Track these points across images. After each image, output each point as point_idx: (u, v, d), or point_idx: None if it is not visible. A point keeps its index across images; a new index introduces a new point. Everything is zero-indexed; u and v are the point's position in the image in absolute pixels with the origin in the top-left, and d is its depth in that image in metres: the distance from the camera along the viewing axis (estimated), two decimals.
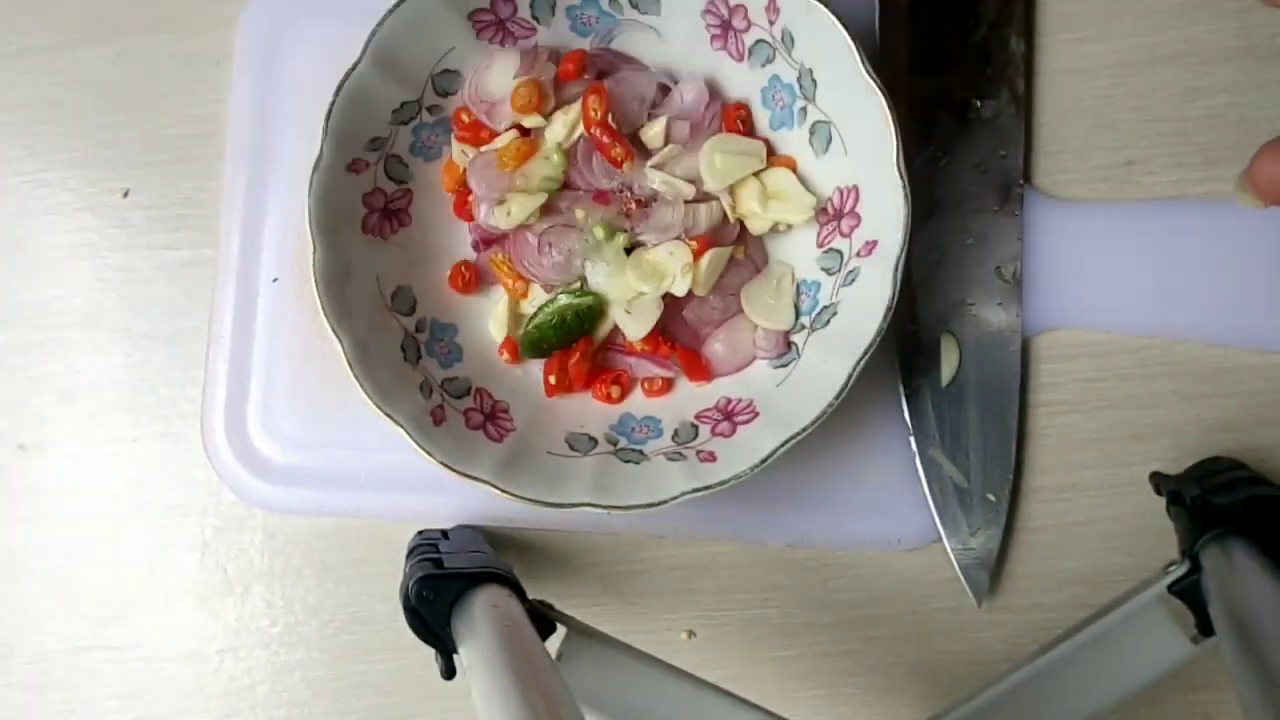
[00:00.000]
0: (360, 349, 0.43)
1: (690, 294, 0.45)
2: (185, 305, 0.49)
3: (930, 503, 0.46)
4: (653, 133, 0.45)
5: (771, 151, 0.46)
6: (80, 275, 0.50)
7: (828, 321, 0.44)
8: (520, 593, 0.41)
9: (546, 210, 0.45)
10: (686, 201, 0.45)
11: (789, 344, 0.45)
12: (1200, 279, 0.46)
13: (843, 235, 0.44)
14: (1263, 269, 0.46)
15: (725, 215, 0.45)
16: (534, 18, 0.45)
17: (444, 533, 0.46)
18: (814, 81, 0.43)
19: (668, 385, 0.46)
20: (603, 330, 0.46)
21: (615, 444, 0.45)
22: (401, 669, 0.49)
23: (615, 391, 0.46)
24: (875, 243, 0.42)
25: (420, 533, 0.47)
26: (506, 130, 0.46)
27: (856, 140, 0.43)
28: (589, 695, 0.39)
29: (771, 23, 0.43)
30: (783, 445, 0.42)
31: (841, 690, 0.48)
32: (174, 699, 0.50)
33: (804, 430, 0.41)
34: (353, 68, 0.42)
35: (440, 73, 0.45)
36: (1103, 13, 0.47)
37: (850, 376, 0.41)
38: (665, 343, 0.45)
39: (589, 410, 0.46)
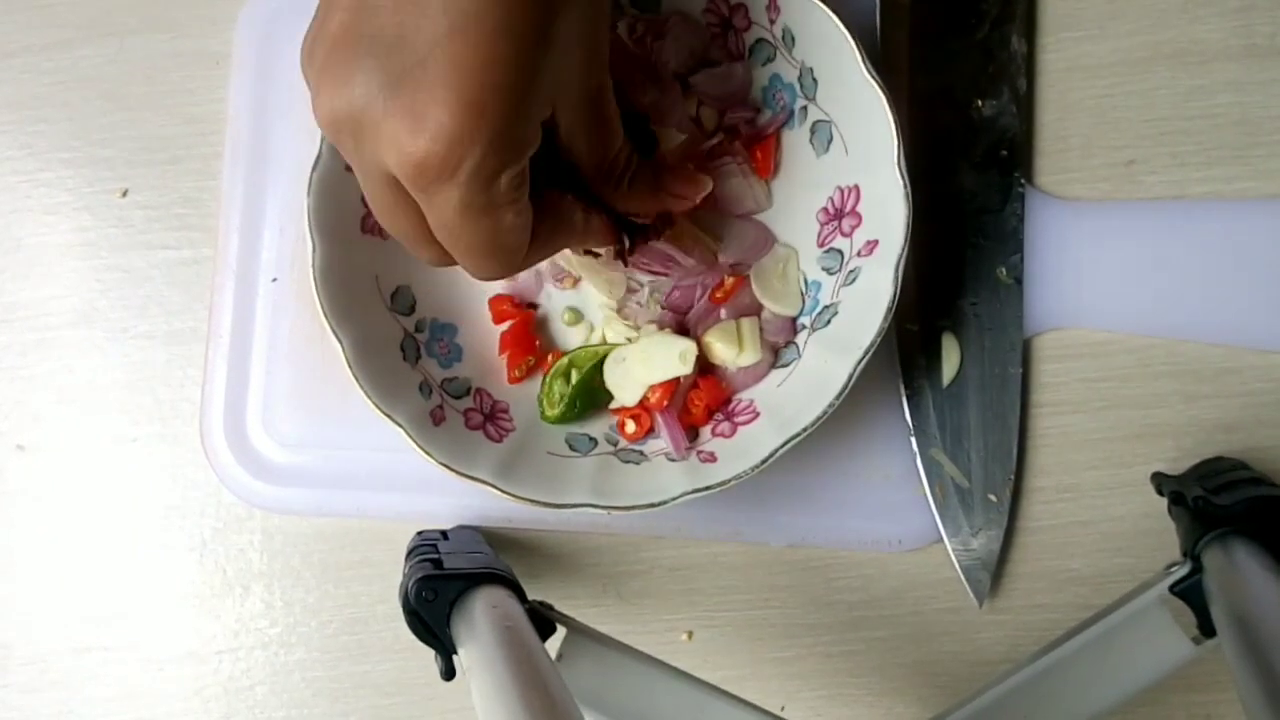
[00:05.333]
0: (360, 349, 0.43)
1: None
2: (184, 305, 0.49)
3: (931, 503, 0.46)
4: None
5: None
6: (78, 275, 0.50)
7: (828, 321, 0.44)
8: (520, 593, 0.41)
9: None
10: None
11: (795, 329, 0.45)
12: (1202, 278, 0.46)
13: (843, 235, 0.44)
14: (1265, 268, 0.46)
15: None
16: None
17: (443, 533, 0.46)
18: (815, 80, 0.43)
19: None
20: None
21: (615, 444, 0.45)
22: (401, 670, 0.49)
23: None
24: (876, 242, 0.42)
25: (420, 533, 0.47)
26: None
27: (857, 139, 0.43)
28: (589, 696, 0.39)
29: (772, 21, 0.43)
30: (783, 445, 0.42)
31: (842, 691, 0.48)
32: (173, 700, 0.50)
33: (804, 430, 0.41)
34: None
35: None
36: (1104, 11, 0.47)
37: (851, 376, 0.41)
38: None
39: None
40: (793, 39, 0.43)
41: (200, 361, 0.49)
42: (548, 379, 0.45)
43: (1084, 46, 0.47)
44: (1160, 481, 0.45)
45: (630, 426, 0.45)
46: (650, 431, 0.45)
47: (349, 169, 0.43)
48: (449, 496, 0.48)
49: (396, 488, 0.48)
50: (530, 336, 0.46)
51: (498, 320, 0.46)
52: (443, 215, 0.32)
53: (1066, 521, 0.47)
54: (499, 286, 0.47)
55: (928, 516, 0.46)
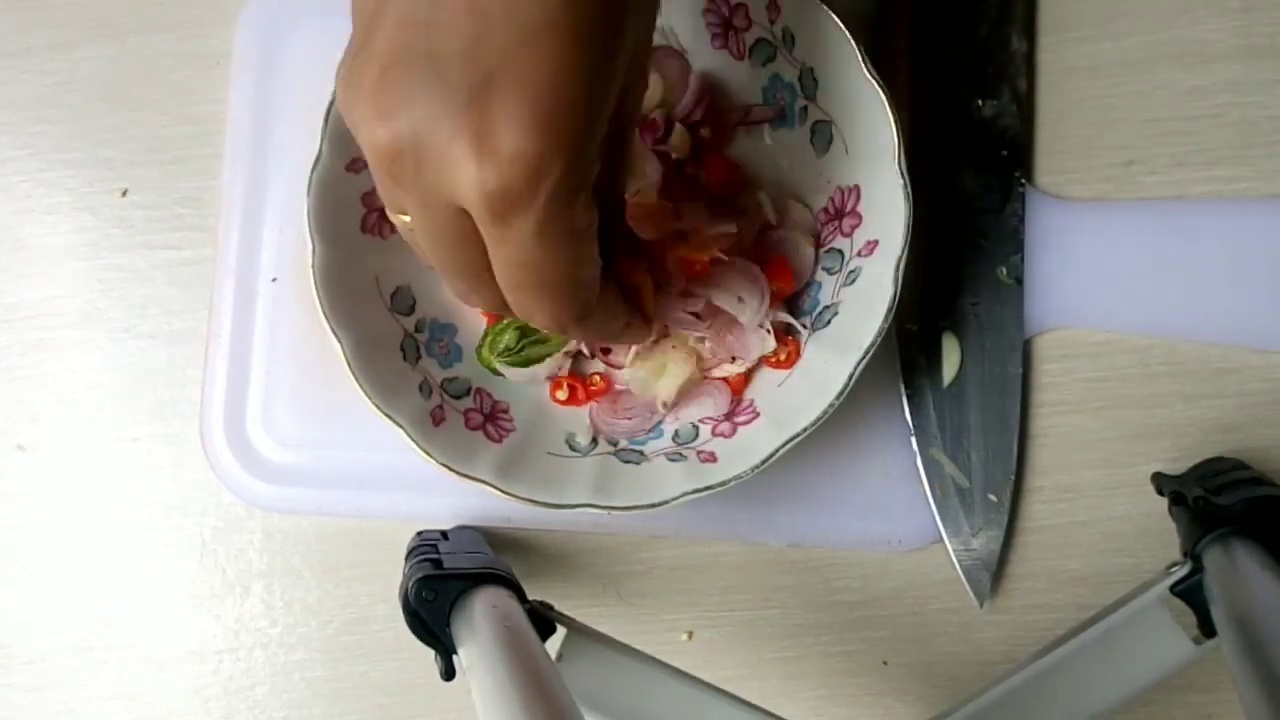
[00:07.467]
0: (360, 349, 0.42)
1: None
2: (184, 305, 0.49)
3: (931, 503, 0.46)
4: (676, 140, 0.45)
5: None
6: (79, 275, 0.50)
7: (829, 321, 0.44)
8: (520, 593, 0.41)
9: None
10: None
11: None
12: (1202, 279, 0.46)
13: (844, 235, 0.44)
14: (1265, 268, 0.46)
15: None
16: None
17: (443, 533, 0.46)
18: (815, 80, 0.43)
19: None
20: None
21: (615, 444, 0.45)
22: (401, 670, 0.49)
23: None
24: (876, 242, 0.42)
25: (420, 533, 0.47)
26: None
27: (858, 139, 0.43)
28: (589, 696, 0.39)
29: (772, 21, 0.43)
30: (783, 446, 0.41)
31: (842, 691, 0.48)
32: (173, 700, 0.50)
33: (804, 430, 0.41)
34: None
35: None
36: (1104, 12, 0.47)
37: (851, 377, 0.41)
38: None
39: (588, 411, 0.46)
40: (793, 39, 0.43)
41: (200, 361, 0.49)
42: (494, 334, 0.45)
43: (1084, 47, 0.47)
44: (1160, 481, 0.45)
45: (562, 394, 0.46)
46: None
47: (349, 166, 0.43)
48: (449, 497, 0.48)
49: (396, 488, 0.48)
50: None
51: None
52: (519, 246, 0.28)
53: (1067, 521, 0.47)
54: None
55: (928, 516, 0.46)
